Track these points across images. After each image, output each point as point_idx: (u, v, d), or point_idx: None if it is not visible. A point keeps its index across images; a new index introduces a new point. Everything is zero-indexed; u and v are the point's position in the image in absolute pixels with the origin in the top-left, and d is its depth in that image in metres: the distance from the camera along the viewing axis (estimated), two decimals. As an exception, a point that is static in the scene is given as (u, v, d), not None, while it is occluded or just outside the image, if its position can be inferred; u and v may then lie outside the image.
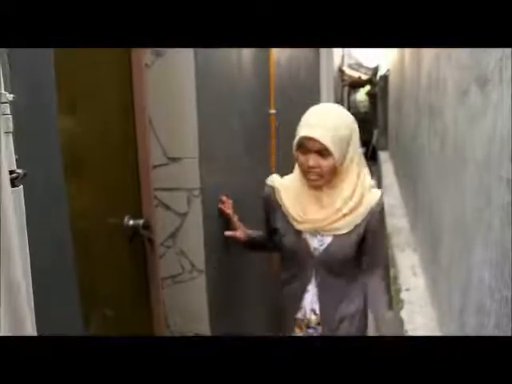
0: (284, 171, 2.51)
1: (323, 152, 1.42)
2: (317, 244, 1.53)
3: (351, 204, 1.48)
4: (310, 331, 1.59)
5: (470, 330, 1.97)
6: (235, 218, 1.86)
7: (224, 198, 1.86)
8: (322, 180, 1.47)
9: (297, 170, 1.55)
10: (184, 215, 1.68)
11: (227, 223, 1.87)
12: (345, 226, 1.50)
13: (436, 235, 3.21)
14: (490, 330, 1.65)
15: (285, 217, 1.56)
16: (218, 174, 1.83)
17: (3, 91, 0.76)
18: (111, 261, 1.53)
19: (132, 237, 1.61)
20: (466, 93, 2.06)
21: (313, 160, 1.44)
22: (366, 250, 1.55)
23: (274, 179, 1.64)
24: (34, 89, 0.95)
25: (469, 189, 2.14)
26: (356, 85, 11.26)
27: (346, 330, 1.57)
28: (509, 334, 1.25)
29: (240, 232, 1.83)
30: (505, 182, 1.48)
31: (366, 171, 1.54)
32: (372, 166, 7.86)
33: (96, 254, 1.43)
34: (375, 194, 1.53)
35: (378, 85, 9.95)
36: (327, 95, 5.06)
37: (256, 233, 1.83)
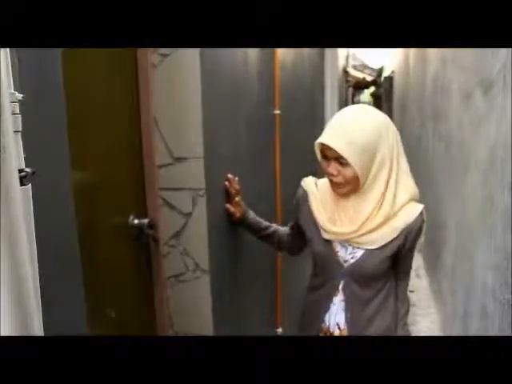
0: (288, 171, 2.51)
1: (342, 161, 1.31)
2: (348, 256, 1.43)
3: (377, 220, 1.35)
4: None
5: (474, 333, 1.97)
6: (238, 197, 1.80)
7: (230, 176, 1.82)
8: (347, 188, 1.36)
9: None
10: (189, 215, 1.69)
11: (232, 223, 1.87)
12: (376, 240, 1.38)
13: (440, 237, 3.21)
14: (493, 333, 1.64)
15: (314, 223, 1.48)
16: (223, 174, 1.83)
17: (12, 91, 0.77)
18: (116, 260, 1.54)
19: (136, 236, 1.62)
20: (470, 97, 2.05)
21: (332, 167, 1.33)
22: (397, 263, 1.46)
23: (308, 182, 1.55)
24: (42, 88, 0.96)
25: (473, 193, 2.13)
26: (360, 86, 11.24)
27: None
28: (512, 337, 1.25)
29: (238, 210, 1.79)
30: (508, 186, 1.47)
31: (404, 179, 1.38)
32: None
33: (100, 253, 1.44)
34: (415, 207, 1.38)
35: (383, 86, 9.93)
36: (331, 96, 5.06)
37: (255, 218, 1.80)
